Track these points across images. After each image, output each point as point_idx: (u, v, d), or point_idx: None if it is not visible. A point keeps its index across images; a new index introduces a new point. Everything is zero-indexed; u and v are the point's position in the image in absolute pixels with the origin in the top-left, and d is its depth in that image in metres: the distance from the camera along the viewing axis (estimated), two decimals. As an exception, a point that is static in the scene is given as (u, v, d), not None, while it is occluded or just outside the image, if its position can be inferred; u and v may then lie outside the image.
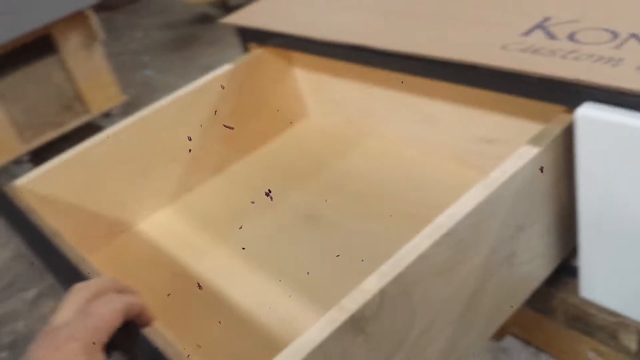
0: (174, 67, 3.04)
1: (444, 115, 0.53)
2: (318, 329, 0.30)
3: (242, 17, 0.61)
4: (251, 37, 0.62)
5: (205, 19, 3.42)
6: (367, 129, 0.61)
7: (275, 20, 0.59)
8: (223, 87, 0.63)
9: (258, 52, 0.63)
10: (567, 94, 0.37)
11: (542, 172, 0.36)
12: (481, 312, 0.38)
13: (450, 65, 0.43)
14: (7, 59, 2.28)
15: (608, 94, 0.35)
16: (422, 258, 0.32)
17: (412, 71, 0.47)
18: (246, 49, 0.65)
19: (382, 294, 0.31)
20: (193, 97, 0.61)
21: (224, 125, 0.66)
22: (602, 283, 0.43)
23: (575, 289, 0.44)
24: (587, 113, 0.36)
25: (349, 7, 0.56)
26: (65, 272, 0.37)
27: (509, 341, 0.60)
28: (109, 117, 2.57)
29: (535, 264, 0.40)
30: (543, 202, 0.39)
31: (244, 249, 0.51)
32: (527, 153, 0.37)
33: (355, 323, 0.30)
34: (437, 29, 0.48)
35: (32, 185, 0.54)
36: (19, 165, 2.32)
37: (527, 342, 0.58)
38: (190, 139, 0.62)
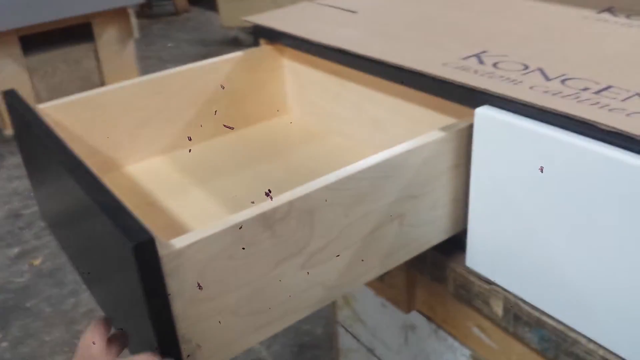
0: (196, 80, 3.20)
1: (392, 115, 0.65)
2: (240, 215, 0.41)
3: (259, 19, 0.74)
4: (264, 34, 0.75)
5: (235, 42, 3.61)
6: (336, 127, 0.74)
7: (286, 24, 0.73)
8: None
9: (265, 47, 0.77)
10: (475, 99, 0.49)
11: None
12: (374, 251, 0.49)
13: (405, 71, 0.56)
14: (46, 37, 2.45)
15: (501, 100, 0.48)
16: (327, 189, 0.44)
17: (379, 74, 0.60)
18: (257, 45, 0.78)
19: (290, 205, 0.43)
20: (203, 71, 0.73)
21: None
22: (481, 255, 0.54)
23: (463, 260, 0.56)
24: (483, 112, 0.48)
25: (345, 25, 0.70)
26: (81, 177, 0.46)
27: (417, 317, 0.71)
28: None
29: (422, 230, 0.52)
30: (439, 180, 0.51)
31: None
32: (433, 135, 0.49)
33: (267, 219, 0.42)
34: (404, 46, 0.61)
35: (50, 111, 0.65)
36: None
37: (430, 319, 0.69)
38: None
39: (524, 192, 0.47)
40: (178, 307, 0.40)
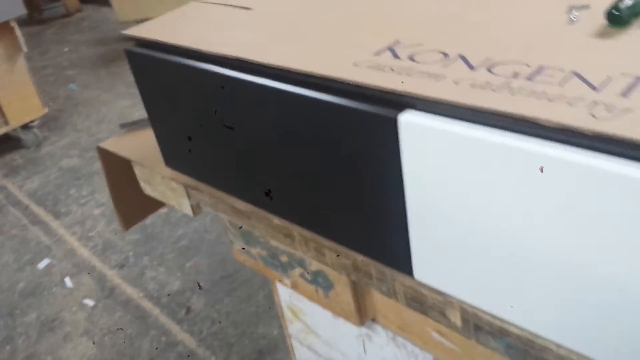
0: (100, 82, 3.03)
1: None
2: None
3: (141, 31, 0.66)
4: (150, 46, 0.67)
5: (135, 37, 3.42)
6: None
7: (168, 34, 0.64)
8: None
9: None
10: (397, 103, 0.44)
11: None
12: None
13: (312, 77, 0.50)
14: None
15: (425, 103, 0.42)
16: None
17: (285, 81, 0.54)
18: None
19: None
20: None
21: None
22: (429, 266, 0.50)
23: (411, 271, 0.51)
24: (407, 119, 0.43)
25: (240, 27, 0.62)
26: None
27: (372, 326, 0.66)
28: (28, 128, 2.54)
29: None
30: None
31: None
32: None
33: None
34: (307, 46, 0.55)
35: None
36: None
37: (386, 327, 0.65)
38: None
39: (463, 200, 0.43)
40: None
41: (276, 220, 0.61)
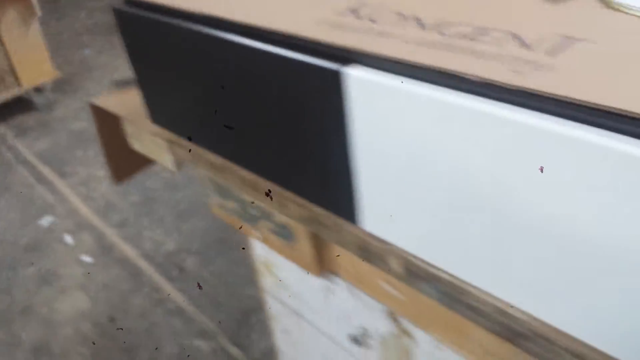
0: (114, 48, 3.08)
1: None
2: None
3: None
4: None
5: None
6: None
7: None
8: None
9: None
10: (347, 59, 0.47)
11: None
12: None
13: (274, 34, 0.53)
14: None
15: (371, 59, 0.46)
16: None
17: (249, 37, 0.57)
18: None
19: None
20: None
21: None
22: (374, 216, 0.53)
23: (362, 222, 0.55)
24: (352, 73, 0.46)
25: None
26: None
27: (333, 278, 0.70)
28: (40, 92, 2.59)
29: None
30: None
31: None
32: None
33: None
34: (274, 4, 0.58)
35: None
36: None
37: (345, 279, 0.69)
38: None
39: (403, 151, 0.46)
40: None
41: (244, 174, 0.65)
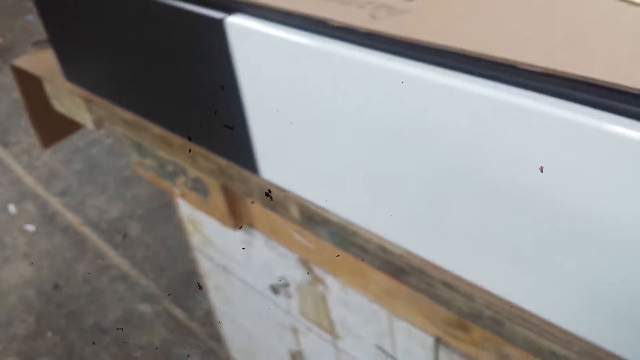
0: (58, 16, 2.98)
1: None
2: None
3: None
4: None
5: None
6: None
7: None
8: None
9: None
10: (226, 7, 0.48)
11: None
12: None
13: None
14: None
15: (249, 6, 0.46)
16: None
17: None
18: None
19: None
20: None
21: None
22: (272, 165, 0.55)
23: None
24: (233, 21, 0.47)
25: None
26: None
27: (251, 231, 0.72)
28: (-21, 59, 2.52)
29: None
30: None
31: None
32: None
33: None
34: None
35: None
36: None
37: (261, 231, 0.70)
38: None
39: (291, 99, 0.47)
40: None
41: (157, 130, 0.66)
